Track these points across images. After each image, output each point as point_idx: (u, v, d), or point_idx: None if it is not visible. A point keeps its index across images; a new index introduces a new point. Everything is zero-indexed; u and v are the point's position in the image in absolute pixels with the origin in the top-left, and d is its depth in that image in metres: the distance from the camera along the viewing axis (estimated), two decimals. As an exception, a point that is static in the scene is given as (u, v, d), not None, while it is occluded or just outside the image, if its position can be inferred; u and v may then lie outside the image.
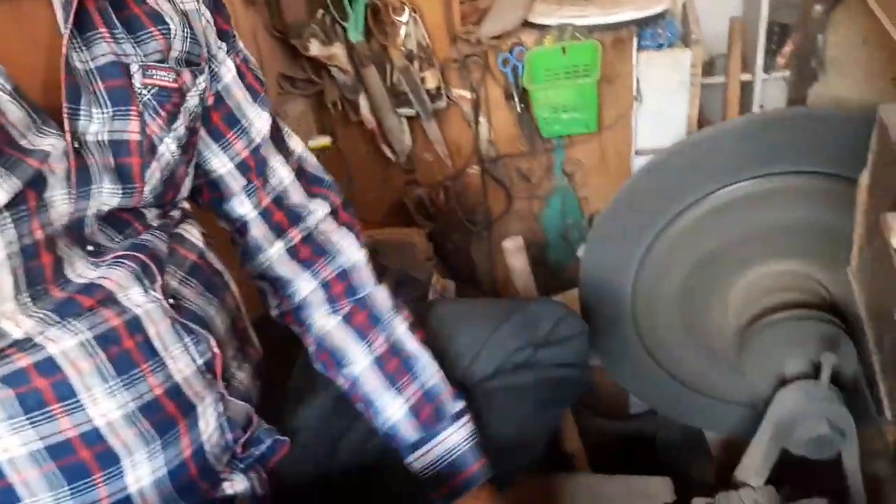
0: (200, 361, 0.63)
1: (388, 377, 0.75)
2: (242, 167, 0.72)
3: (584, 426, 1.41)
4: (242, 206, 0.74)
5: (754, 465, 0.97)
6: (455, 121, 1.50)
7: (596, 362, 1.40)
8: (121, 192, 0.58)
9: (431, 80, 1.41)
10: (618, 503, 1.05)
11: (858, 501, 0.93)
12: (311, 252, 0.77)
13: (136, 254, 0.60)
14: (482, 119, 1.48)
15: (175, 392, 0.60)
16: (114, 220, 0.60)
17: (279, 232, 0.75)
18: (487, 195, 1.58)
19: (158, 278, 0.61)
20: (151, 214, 0.64)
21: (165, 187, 0.64)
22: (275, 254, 0.76)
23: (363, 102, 1.45)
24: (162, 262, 0.62)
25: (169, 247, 0.65)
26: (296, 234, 0.76)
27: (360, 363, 0.75)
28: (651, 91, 1.44)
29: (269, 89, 1.46)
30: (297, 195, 0.76)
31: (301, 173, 0.77)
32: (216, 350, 0.65)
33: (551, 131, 1.43)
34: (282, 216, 0.75)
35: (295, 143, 0.78)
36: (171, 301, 0.62)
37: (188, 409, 0.62)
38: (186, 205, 0.72)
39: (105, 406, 0.56)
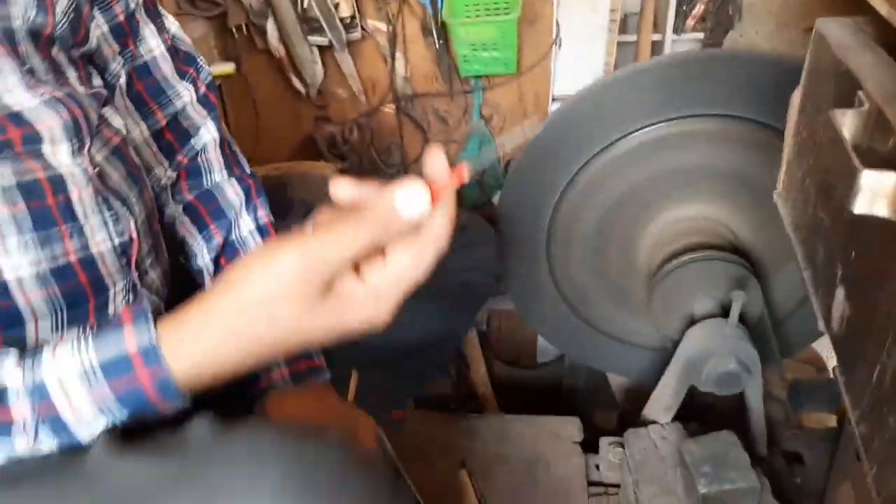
0: (117, 241, 0.60)
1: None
2: (117, 31, 0.68)
3: (493, 374, 1.41)
4: (111, 74, 0.70)
5: (663, 403, 0.98)
6: (370, 54, 1.43)
7: (508, 306, 1.39)
8: (35, 1, 0.54)
9: (346, 8, 1.32)
10: (528, 442, 1.05)
11: (759, 434, 0.96)
12: (173, 138, 0.75)
13: (70, 102, 0.56)
14: (398, 54, 1.42)
15: (89, 263, 0.57)
16: (41, 50, 0.56)
17: (142, 106, 0.73)
18: (403, 136, 1.53)
19: (88, 141, 0.58)
20: (73, 76, 0.60)
21: (76, 18, 0.60)
22: (138, 137, 0.73)
23: (271, 28, 1.35)
24: (91, 127, 0.59)
25: (98, 122, 0.62)
26: (161, 117, 0.74)
27: (200, 258, 0.74)
28: (570, 36, 1.41)
29: (167, 8, 1.33)
30: (166, 69, 0.73)
31: (173, 51, 0.74)
32: (134, 234, 0.62)
33: (470, 70, 1.38)
34: (142, 88, 0.72)
35: (170, 23, 0.75)
36: (97, 171, 0.60)
37: (100, 289, 0.58)
38: (100, 82, 0.66)
39: (17, 260, 0.52)
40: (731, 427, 0.97)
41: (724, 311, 0.96)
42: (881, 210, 0.32)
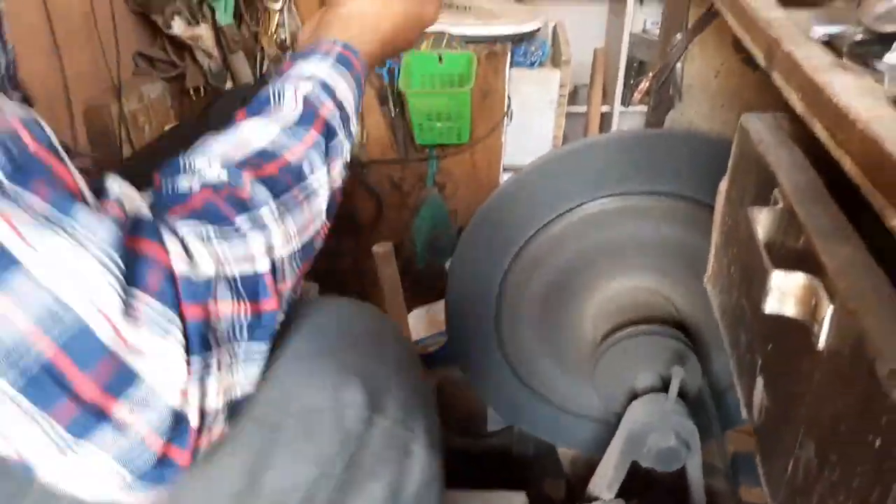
0: None
1: None
2: None
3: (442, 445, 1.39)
4: None
5: (606, 479, 0.98)
6: (326, 120, 1.45)
7: (457, 374, 1.38)
8: None
9: (303, 75, 1.34)
10: (472, 518, 1.03)
11: (700, 511, 0.96)
12: None
13: None
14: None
15: None
16: None
17: None
18: (357, 201, 1.54)
19: None
20: None
21: None
22: None
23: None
24: None
25: None
26: None
27: None
28: (520, 108, 1.46)
29: (124, 66, 1.33)
30: None
31: None
32: None
33: (426, 139, 1.41)
34: None
35: None
36: None
37: None
38: None
39: None
40: (674, 502, 0.97)
41: (665, 386, 0.97)
42: (789, 310, 0.34)
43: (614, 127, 2.48)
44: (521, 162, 1.55)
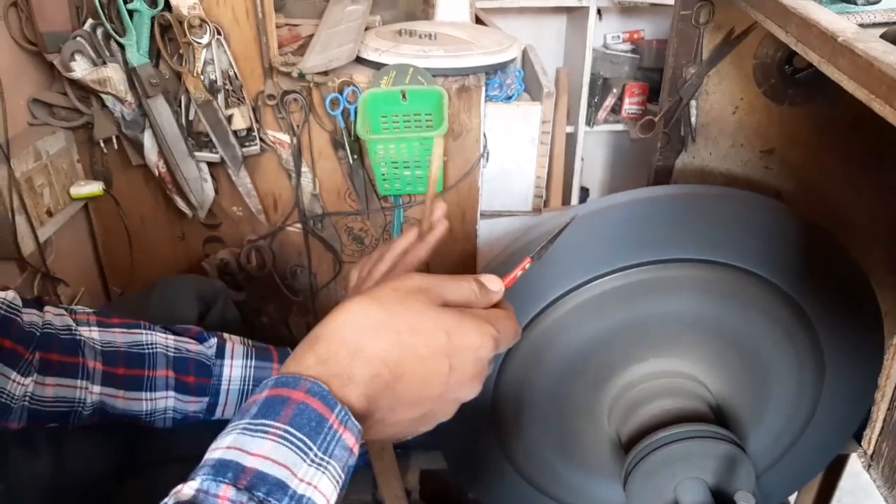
0: None
1: None
2: None
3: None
4: None
5: None
6: (271, 169, 1.23)
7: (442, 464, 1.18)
8: None
9: (240, 121, 1.12)
10: None
11: None
12: None
13: None
14: (305, 169, 1.22)
15: None
16: None
17: None
18: (311, 258, 1.32)
19: None
20: None
21: None
22: None
23: (149, 142, 1.13)
24: None
25: None
26: None
27: None
28: (497, 148, 1.27)
29: (16, 116, 1.08)
30: None
31: None
32: None
33: (391, 189, 1.20)
34: None
35: None
36: None
37: None
38: None
39: None
40: None
41: (715, 497, 0.81)
42: None
43: (578, 148, 2.34)
44: (501, 208, 1.36)
